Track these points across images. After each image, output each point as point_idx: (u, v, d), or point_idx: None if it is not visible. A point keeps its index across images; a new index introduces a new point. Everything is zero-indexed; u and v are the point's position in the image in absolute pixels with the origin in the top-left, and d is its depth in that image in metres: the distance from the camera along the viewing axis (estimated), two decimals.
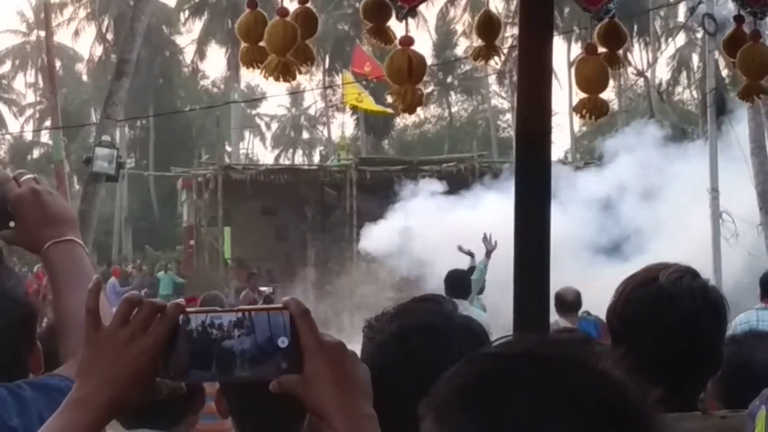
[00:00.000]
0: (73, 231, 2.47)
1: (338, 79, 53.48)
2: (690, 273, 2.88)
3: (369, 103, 37.60)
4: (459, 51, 62.25)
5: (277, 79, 3.12)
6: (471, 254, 14.73)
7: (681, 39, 53.48)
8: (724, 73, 20.67)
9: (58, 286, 2.41)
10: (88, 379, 1.69)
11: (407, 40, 3.18)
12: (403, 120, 63.28)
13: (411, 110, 3.14)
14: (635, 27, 47.68)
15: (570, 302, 11.68)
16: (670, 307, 2.79)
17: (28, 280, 39.40)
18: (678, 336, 2.77)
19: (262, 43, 3.17)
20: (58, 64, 46.65)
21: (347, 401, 1.66)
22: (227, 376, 1.71)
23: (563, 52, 55.40)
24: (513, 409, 1.36)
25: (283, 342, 1.66)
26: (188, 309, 1.69)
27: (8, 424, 2.16)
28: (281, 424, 2.67)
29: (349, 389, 1.67)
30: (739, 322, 8.21)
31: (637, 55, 54.18)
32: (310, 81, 61.36)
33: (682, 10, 42.75)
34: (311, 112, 78.37)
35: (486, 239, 13.70)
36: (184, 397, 3.15)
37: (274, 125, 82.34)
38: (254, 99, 68.20)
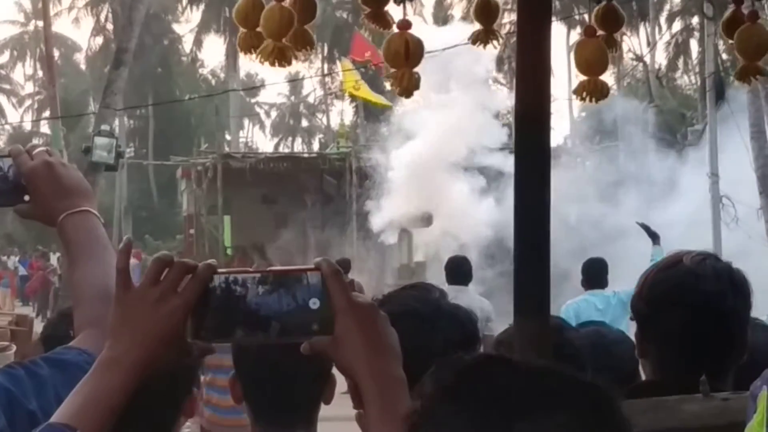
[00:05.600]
0: (88, 202, 2.44)
1: (337, 67, 53.44)
2: (713, 256, 2.90)
3: (366, 92, 37.63)
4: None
5: (272, 64, 3.10)
6: (655, 236, 12.91)
7: (678, 24, 53.43)
8: (724, 56, 20.68)
9: (72, 257, 2.38)
10: (119, 340, 1.69)
11: (405, 24, 3.18)
12: (402, 107, 63.16)
13: (408, 94, 3.13)
14: (636, 11, 47.62)
15: (462, 271, 11.48)
16: (695, 287, 2.79)
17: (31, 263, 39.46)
18: (704, 315, 2.77)
19: (259, 29, 3.16)
20: (56, 54, 46.58)
21: (377, 363, 1.65)
22: (259, 338, 1.69)
23: (562, 38, 55.35)
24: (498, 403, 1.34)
25: (315, 303, 1.65)
26: (220, 270, 1.67)
27: (27, 408, 2.13)
28: (295, 411, 2.65)
29: (379, 351, 1.66)
30: None
31: (635, 39, 54.14)
32: (309, 69, 61.29)
33: None
34: (310, 100, 78.38)
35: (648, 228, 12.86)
36: (173, 403, 2.96)
37: (274, 113, 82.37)
38: (253, 87, 68.13)
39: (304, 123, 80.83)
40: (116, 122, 36.74)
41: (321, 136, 75.17)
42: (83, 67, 74.66)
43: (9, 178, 2.39)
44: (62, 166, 2.44)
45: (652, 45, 48.20)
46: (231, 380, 2.73)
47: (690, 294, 2.79)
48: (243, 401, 2.73)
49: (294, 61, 3.15)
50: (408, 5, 3.32)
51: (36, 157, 2.41)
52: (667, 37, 52.30)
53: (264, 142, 80.00)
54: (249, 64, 66.25)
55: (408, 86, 3.11)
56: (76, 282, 2.38)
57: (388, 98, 36.87)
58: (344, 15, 59.13)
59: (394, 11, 3.31)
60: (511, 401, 1.33)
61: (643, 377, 3.16)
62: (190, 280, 1.67)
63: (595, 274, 11.16)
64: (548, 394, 1.35)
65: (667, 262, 2.91)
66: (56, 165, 2.42)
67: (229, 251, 36.79)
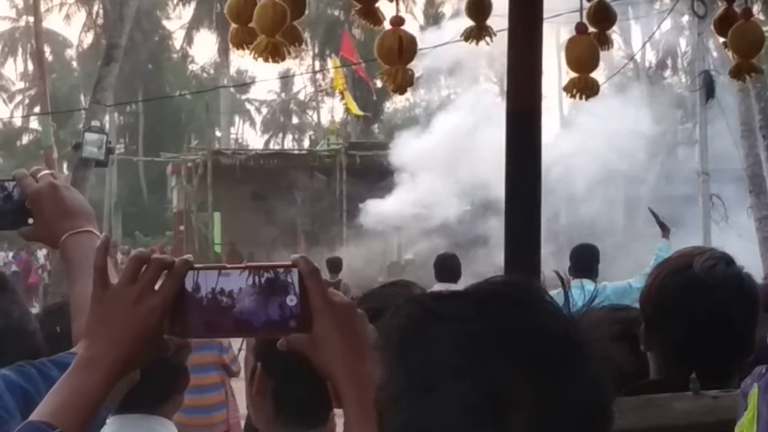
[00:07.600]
0: (90, 223, 2.46)
1: (328, 64, 53.40)
2: (724, 260, 2.88)
3: (349, 100, 37.96)
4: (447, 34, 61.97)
5: (266, 60, 3.10)
6: (665, 227, 12.14)
7: (669, 22, 53.38)
8: (714, 55, 20.70)
9: (73, 273, 2.39)
10: (97, 339, 1.69)
11: (398, 20, 3.18)
12: (393, 104, 63.15)
13: (402, 90, 3.13)
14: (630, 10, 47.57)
15: (451, 268, 11.26)
16: (703, 295, 2.79)
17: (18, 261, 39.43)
18: (711, 324, 2.78)
19: (251, 25, 3.15)
20: (47, 50, 46.52)
21: (355, 363, 1.64)
22: (235, 334, 1.69)
23: (552, 37, 55.23)
24: (433, 351, 1.32)
25: (291, 300, 1.64)
26: (196, 265, 1.67)
27: None
28: (321, 410, 2.60)
29: (357, 351, 1.64)
30: None
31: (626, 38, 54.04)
32: (299, 66, 61.19)
33: None
34: (301, 96, 78.22)
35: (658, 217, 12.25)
36: (170, 377, 3.17)
37: (264, 110, 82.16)
38: (244, 84, 68.01)
39: (295, 120, 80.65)
40: (107, 118, 36.68)
41: (311, 133, 75.02)
42: (74, 63, 74.49)
43: (13, 199, 2.43)
44: (66, 188, 2.47)
45: (642, 43, 48.21)
46: (260, 374, 2.59)
47: (697, 303, 2.79)
48: (265, 396, 2.61)
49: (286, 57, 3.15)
50: (400, 2, 3.32)
51: (41, 180, 2.44)
52: (658, 33, 52.23)
53: (254, 139, 79.87)
54: (240, 60, 66.25)
55: (402, 83, 3.12)
56: (76, 294, 2.38)
57: (380, 96, 37.03)
58: (335, 13, 59.01)
59: (386, 8, 3.31)
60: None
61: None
62: (166, 277, 1.67)
63: (583, 261, 10.26)
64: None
65: (678, 265, 2.90)
66: (60, 187, 2.45)
67: (218, 248, 36.76)
